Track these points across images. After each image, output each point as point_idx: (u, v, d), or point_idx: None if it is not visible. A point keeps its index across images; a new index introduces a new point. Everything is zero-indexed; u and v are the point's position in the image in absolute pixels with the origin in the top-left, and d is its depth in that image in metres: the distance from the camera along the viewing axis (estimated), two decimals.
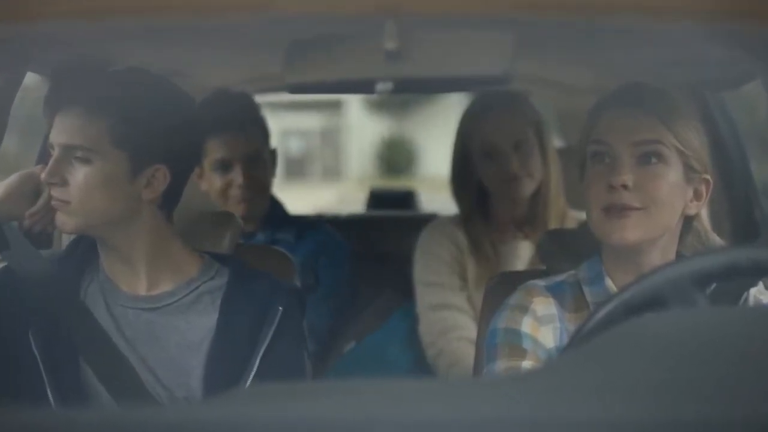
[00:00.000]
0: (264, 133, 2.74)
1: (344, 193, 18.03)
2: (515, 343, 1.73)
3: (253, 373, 1.78)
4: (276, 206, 2.84)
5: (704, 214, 1.84)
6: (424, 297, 2.64)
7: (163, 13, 1.47)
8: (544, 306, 1.76)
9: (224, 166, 2.66)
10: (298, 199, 4.97)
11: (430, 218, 2.91)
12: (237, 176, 2.65)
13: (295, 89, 2.43)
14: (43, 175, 1.77)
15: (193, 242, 1.90)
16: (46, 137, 1.83)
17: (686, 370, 0.82)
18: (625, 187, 1.66)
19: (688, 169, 1.70)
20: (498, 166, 2.58)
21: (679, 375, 0.81)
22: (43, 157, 1.99)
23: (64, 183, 1.75)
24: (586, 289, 1.77)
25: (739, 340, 0.89)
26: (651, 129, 1.69)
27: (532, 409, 0.78)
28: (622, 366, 0.84)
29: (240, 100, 2.75)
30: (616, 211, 1.67)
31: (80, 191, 1.75)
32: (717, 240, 1.87)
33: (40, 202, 1.78)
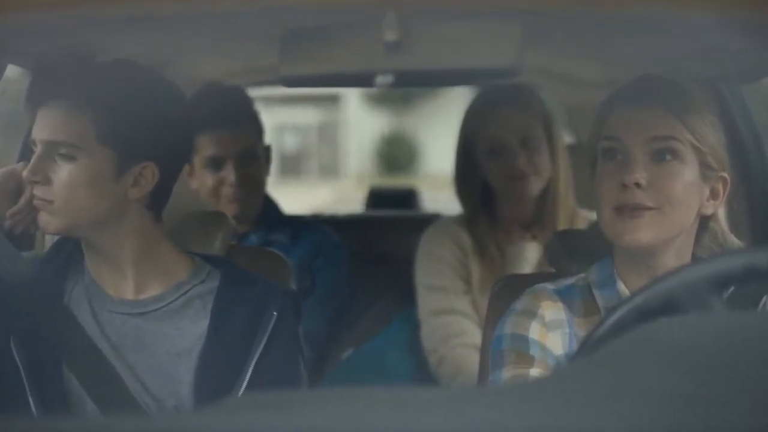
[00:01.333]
0: (258, 128, 2.74)
1: (342, 191, 18.04)
2: (522, 349, 1.73)
3: (246, 381, 1.78)
4: (270, 206, 2.84)
5: (721, 213, 1.83)
6: (426, 301, 2.64)
7: (151, 2, 1.47)
8: (552, 311, 1.76)
9: (216, 164, 2.66)
10: (294, 198, 4.98)
11: (433, 218, 2.91)
12: (229, 174, 2.65)
13: (290, 82, 2.43)
14: (24, 173, 1.77)
15: (182, 243, 1.90)
16: (28, 133, 1.83)
17: (702, 377, 0.82)
18: (638, 185, 1.66)
19: (705, 166, 1.70)
20: (504, 163, 2.58)
21: (695, 383, 0.81)
22: (25, 154, 1.99)
23: (47, 181, 1.75)
24: (597, 293, 1.77)
25: (758, 346, 0.89)
26: (665, 124, 1.69)
27: (540, 420, 0.78)
28: (634, 374, 0.84)
29: (232, 94, 2.75)
30: (628, 210, 1.67)
31: (64, 190, 1.74)
32: (735, 241, 1.87)
33: (22, 201, 1.78)
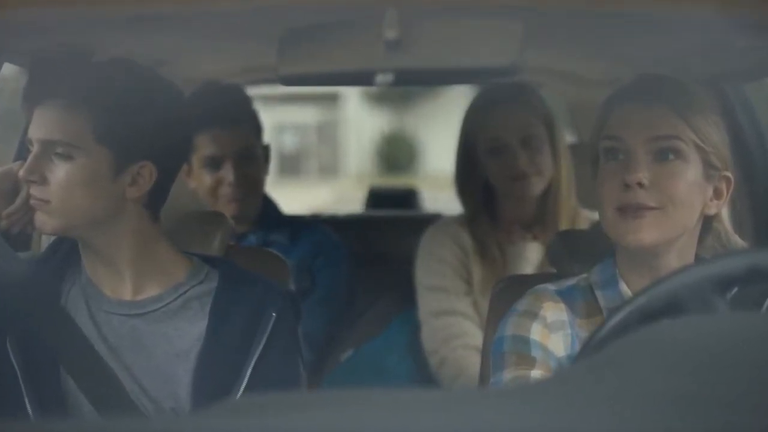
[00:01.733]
0: (256, 127, 2.74)
1: (342, 191, 18.04)
2: (523, 351, 1.73)
3: (244, 382, 1.78)
4: (269, 206, 2.84)
5: (725, 213, 1.83)
6: (426, 302, 2.64)
7: (151, 1, 1.47)
8: (554, 312, 1.76)
9: (214, 163, 2.66)
10: (293, 198, 4.97)
11: (433, 218, 2.91)
12: (228, 174, 2.65)
13: (289, 81, 2.44)
14: (21, 173, 1.76)
15: (181, 244, 1.90)
16: (25, 132, 1.83)
17: (706, 379, 0.82)
18: (640, 185, 1.66)
19: (708, 166, 1.70)
20: (505, 163, 2.58)
21: (699, 384, 0.81)
22: (22, 154, 1.99)
23: (44, 181, 1.75)
24: (599, 294, 1.76)
25: (761, 347, 0.88)
26: (668, 123, 1.69)
27: (542, 422, 0.77)
28: (637, 375, 0.83)
29: (231, 92, 2.75)
30: (631, 210, 1.67)
31: (61, 189, 1.74)
32: (738, 241, 1.87)
33: (19, 201, 1.78)
